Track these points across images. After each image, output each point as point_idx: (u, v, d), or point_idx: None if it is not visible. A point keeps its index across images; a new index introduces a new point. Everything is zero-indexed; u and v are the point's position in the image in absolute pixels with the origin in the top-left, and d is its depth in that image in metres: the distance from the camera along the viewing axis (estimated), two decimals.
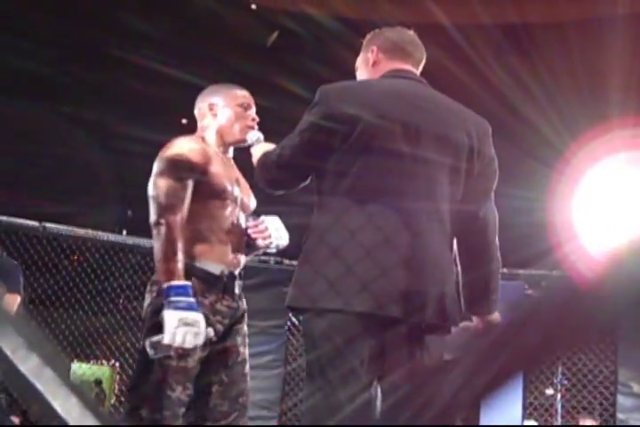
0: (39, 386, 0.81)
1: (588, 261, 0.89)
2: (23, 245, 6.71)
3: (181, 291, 2.63)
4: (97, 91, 7.06)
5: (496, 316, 2.50)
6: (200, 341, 2.60)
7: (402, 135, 2.30)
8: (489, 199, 2.47)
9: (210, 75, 4.96)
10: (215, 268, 2.83)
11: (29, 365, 0.81)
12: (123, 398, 7.88)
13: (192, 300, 2.63)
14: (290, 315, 6.86)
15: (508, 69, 5.67)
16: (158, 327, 2.64)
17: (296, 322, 6.87)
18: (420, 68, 2.57)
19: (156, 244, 2.72)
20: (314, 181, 2.43)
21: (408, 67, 2.52)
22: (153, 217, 2.76)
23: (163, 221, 2.73)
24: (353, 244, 2.23)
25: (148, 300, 2.83)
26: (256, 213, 3.07)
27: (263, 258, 6.88)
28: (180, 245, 2.70)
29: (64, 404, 0.82)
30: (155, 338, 2.60)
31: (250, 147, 2.90)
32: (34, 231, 6.54)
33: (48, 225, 6.49)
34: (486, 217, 2.44)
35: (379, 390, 2.32)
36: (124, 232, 7.97)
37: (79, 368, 10.22)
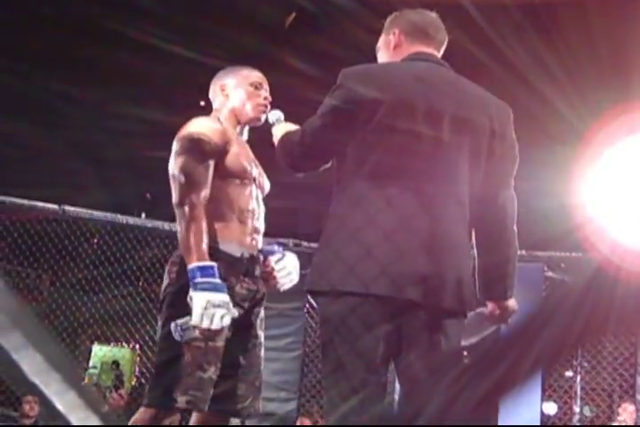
0: (43, 387, 0.81)
1: (608, 243, 0.88)
2: (43, 228, 6.76)
3: (208, 272, 2.60)
4: (93, 67, 6.96)
5: (512, 302, 2.49)
6: (227, 322, 2.59)
7: (423, 118, 2.28)
8: (509, 184, 2.45)
9: (218, 53, 4.92)
10: (235, 250, 2.81)
11: (34, 365, 0.81)
12: (144, 380, 7.94)
13: (219, 281, 2.61)
14: (308, 297, 6.88)
15: (529, 49, 5.61)
16: (181, 309, 2.62)
17: (314, 304, 6.88)
18: (442, 50, 2.54)
19: (181, 225, 2.69)
20: (334, 163, 2.42)
21: (430, 50, 2.49)
22: (176, 197, 2.73)
23: (186, 201, 2.70)
24: (372, 227, 2.23)
25: (167, 281, 2.80)
26: (275, 245, 3.05)
27: (282, 241, 6.89)
28: (204, 226, 2.67)
29: (67, 404, 0.82)
30: (181, 321, 2.59)
31: (271, 126, 2.87)
32: (53, 214, 6.59)
33: (67, 208, 6.53)
34: (505, 201, 2.42)
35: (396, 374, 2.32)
36: (143, 215, 8.01)
37: (100, 351, 10.33)
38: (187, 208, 2.69)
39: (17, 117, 7.03)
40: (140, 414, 2.71)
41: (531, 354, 0.83)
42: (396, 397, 6.38)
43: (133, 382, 9.80)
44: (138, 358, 10.03)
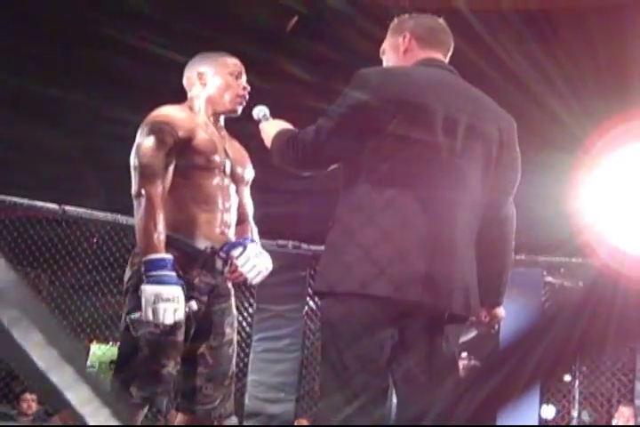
0: (58, 383, 0.82)
1: (607, 249, 0.88)
2: (43, 227, 6.76)
3: (161, 264, 2.55)
4: (94, 71, 6.94)
5: (501, 309, 2.50)
6: (180, 316, 2.53)
7: (439, 126, 2.27)
8: (512, 195, 2.46)
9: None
10: (200, 242, 2.74)
11: (49, 361, 0.82)
12: None
13: (172, 273, 2.55)
14: (307, 299, 6.88)
15: (528, 57, 5.61)
16: (139, 302, 2.56)
17: (313, 306, 6.88)
18: (448, 56, 2.53)
19: (136, 216, 2.64)
20: (340, 166, 2.38)
21: (439, 56, 2.48)
22: (134, 188, 2.67)
23: (142, 192, 2.64)
24: (370, 228, 2.21)
25: (128, 273, 2.74)
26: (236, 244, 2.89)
27: (281, 242, 6.89)
28: (161, 218, 2.61)
29: (80, 397, 0.82)
30: (134, 315, 2.55)
31: (258, 122, 2.76)
32: (53, 214, 6.58)
33: (67, 208, 6.53)
34: (508, 211, 2.44)
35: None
36: None
37: (98, 349, 10.31)
38: (143, 200, 2.64)
39: (17, 118, 7.03)
40: None
41: (530, 365, 0.83)
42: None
43: None
44: None
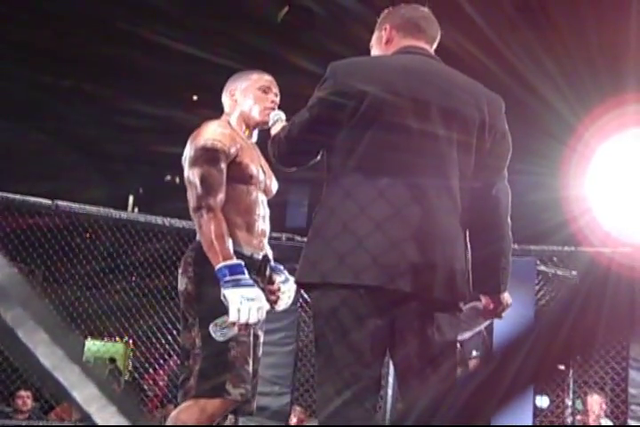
0: (64, 382, 0.82)
1: (601, 237, 0.89)
2: (36, 222, 6.72)
3: (236, 269, 2.68)
4: (101, 65, 6.97)
5: (506, 296, 2.49)
6: (263, 315, 2.67)
7: (410, 110, 2.28)
8: (502, 177, 2.44)
9: (220, 51, 4.93)
10: (245, 249, 2.89)
11: (54, 360, 0.82)
12: (137, 375, 7.94)
13: (247, 277, 2.69)
14: (302, 291, 6.87)
15: (522, 44, 5.62)
16: (211, 306, 2.72)
17: (308, 298, 6.88)
18: (435, 45, 2.55)
19: (201, 228, 2.77)
20: (324, 157, 2.42)
21: (421, 44, 2.49)
22: (193, 203, 2.81)
23: (203, 204, 2.78)
24: (362, 218, 2.22)
25: (185, 281, 2.87)
26: (278, 267, 3.11)
27: (275, 235, 6.89)
28: (225, 226, 2.76)
29: (86, 396, 0.82)
30: (219, 320, 2.68)
31: (270, 128, 2.94)
32: (46, 209, 6.56)
33: (60, 203, 6.50)
34: (498, 194, 2.41)
35: (391, 366, 2.32)
36: (136, 209, 7.97)
37: (93, 345, 10.30)
38: (204, 211, 2.77)
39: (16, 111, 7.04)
40: (190, 407, 2.76)
41: (524, 365, 0.83)
42: (389, 391, 6.40)
43: (127, 377, 9.79)
44: (131, 353, 10.03)
